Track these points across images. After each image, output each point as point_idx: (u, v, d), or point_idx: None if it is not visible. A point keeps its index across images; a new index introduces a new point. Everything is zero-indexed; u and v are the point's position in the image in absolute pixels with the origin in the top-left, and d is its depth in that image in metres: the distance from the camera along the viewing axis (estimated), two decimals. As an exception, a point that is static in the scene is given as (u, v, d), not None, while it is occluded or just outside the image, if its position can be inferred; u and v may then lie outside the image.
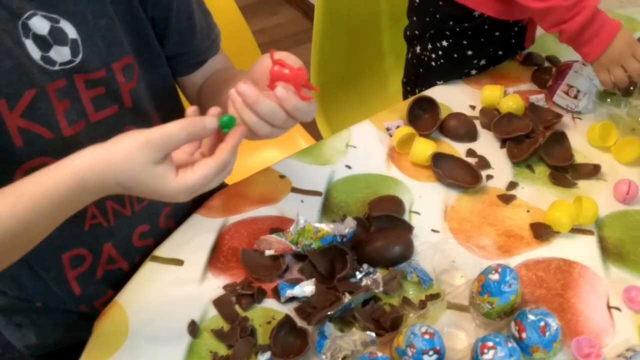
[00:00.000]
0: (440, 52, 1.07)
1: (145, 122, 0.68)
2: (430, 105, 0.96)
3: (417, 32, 1.12)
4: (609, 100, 1.00)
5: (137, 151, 0.50)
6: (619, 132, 0.93)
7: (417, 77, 1.16)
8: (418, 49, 1.13)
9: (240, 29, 1.30)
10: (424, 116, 0.96)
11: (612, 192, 0.86)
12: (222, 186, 0.85)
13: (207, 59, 0.76)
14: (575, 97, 0.96)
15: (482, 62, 1.08)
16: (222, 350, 0.65)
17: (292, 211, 0.81)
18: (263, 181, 0.86)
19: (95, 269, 0.74)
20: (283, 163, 0.89)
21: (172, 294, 0.71)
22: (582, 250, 0.78)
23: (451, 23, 1.04)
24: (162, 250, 0.76)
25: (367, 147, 0.92)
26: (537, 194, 0.85)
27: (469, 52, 1.05)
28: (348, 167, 0.89)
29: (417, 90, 1.14)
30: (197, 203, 0.82)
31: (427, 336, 0.62)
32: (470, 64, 1.07)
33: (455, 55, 1.06)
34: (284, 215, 0.81)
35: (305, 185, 0.85)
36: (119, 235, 0.74)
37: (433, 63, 1.10)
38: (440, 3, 1.03)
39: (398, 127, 0.93)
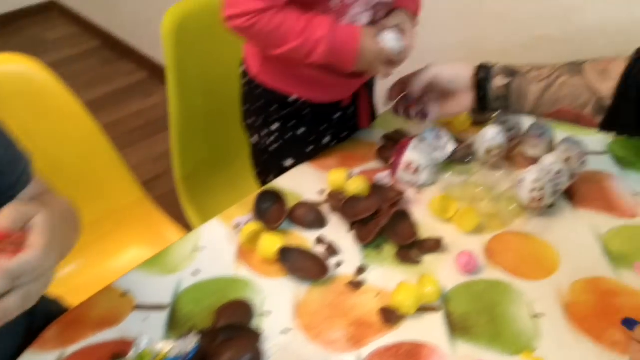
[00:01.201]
0: (273, 137, 1.11)
1: None
2: (277, 196, 0.96)
3: (249, 121, 1.15)
4: (450, 172, 1.04)
5: None
6: (460, 202, 0.97)
7: (264, 165, 1.19)
8: (255, 138, 1.16)
9: (89, 130, 1.27)
10: (271, 208, 0.96)
11: (455, 264, 0.88)
12: (61, 313, 0.80)
13: (15, 194, 0.71)
14: (416, 172, 0.99)
15: (326, 139, 1.11)
16: None
17: (136, 331, 0.77)
18: (103, 302, 0.81)
19: None
20: (126, 278, 0.85)
21: None
22: (430, 330, 0.80)
23: (274, 107, 1.07)
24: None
25: (216, 248, 0.91)
26: (386, 276, 0.87)
27: (300, 132, 1.09)
28: (196, 273, 0.86)
29: (269, 178, 1.15)
30: (31, 338, 0.77)
31: None
32: (306, 143, 1.11)
33: (288, 137, 1.10)
34: (125, 337, 0.77)
35: (150, 299, 0.82)
36: None
37: (271, 148, 1.13)
38: (259, 90, 1.07)
39: (248, 222, 0.93)
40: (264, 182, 1.22)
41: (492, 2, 1.50)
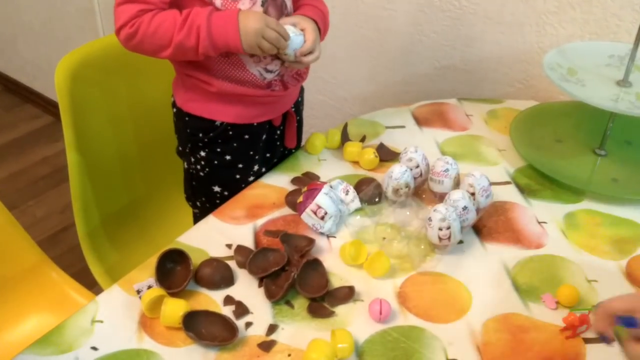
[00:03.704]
0: (202, 163, 1.12)
1: None
2: (181, 256, 0.91)
3: (180, 148, 1.16)
4: (359, 214, 1.03)
5: None
6: (371, 246, 0.95)
7: (193, 191, 1.20)
8: (186, 163, 1.17)
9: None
10: (175, 269, 0.91)
11: (368, 313, 0.86)
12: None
13: None
14: (322, 218, 0.97)
15: (255, 167, 1.13)
16: None
17: None
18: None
19: None
20: (16, 362, 0.78)
21: None
22: (346, 387, 0.77)
23: (200, 135, 1.09)
24: None
25: (116, 319, 0.85)
26: (298, 333, 0.83)
27: (227, 159, 1.10)
28: (94, 348, 0.80)
29: (198, 204, 1.19)
30: None
31: None
32: (235, 170, 1.12)
33: (216, 163, 1.11)
34: None
35: (42, 386, 0.75)
36: None
37: (201, 174, 1.14)
38: (186, 119, 1.09)
39: (149, 287, 0.87)
40: (193, 205, 1.23)
41: (395, 37, 1.53)
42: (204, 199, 1.18)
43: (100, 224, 1.40)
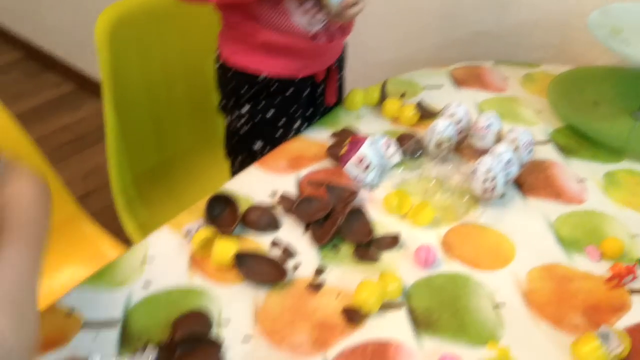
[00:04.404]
0: (245, 118, 1.12)
1: None
2: (228, 200, 0.92)
3: (223, 104, 1.16)
4: (401, 168, 1.03)
5: None
6: (414, 197, 0.96)
7: (232, 148, 1.21)
8: (227, 119, 1.17)
9: (18, 141, 1.19)
10: (223, 213, 0.92)
11: (413, 259, 0.87)
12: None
13: None
14: (366, 169, 0.98)
15: (296, 124, 1.13)
16: None
17: (86, 351, 0.72)
18: (47, 322, 0.75)
19: None
20: (70, 295, 0.79)
21: None
22: (395, 327, 0.78)
23: (244, 89, 1.09)
24: None
25: (167, 258, 0.86)
26: (345, 276, 0.85)
27: (270, 115, 1.11)
28: (147, 285, 0.82)
29: (237, 160, 1.20)
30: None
31: None
32: (276, 126, 1.12)
33: (258, 119, 1.12)
34: (76, 357, 0.71)
35: (99, 316, 0.77)
36: None
37: (241, 130, 1.15)
38: (230, 73, 1.10)
39: (199, 229, 0.89)
40: (232, 163, 1.24)
41: (430, 1, 1.52)
42: (245, 154, 1.18)
43: (132, 181, 1.41)
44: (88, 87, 2.73)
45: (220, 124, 1.29)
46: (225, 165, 1.29)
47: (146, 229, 1.36)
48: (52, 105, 2.73)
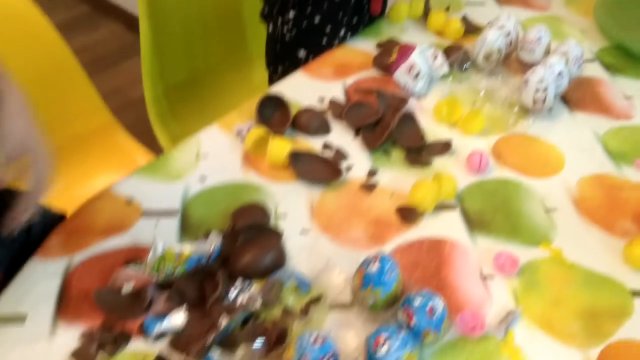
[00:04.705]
0: (289, 25, 1.10)
1: None
2: (279, 102, 0.92)
3: (267, 10, 1.14)
4: (450, 79, 1.02)
5: None
6: (463, 107, 0.95)
7: (275, 56, 1.19)
8: (271, 26, 1.15)
9: (57, 49, 1.17)
10: (274, 114, 0.92)
11: (465, 165, 0.87)
12: (60, 222, 0.75)
13: None
14: (415, 77, 0.97)
15: (341, 32, 1.11)
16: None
17: (147, 237, 0.73)
18: (106, 208, 0.76)
19: None
20: (126, 183, 0.80)
21: (18, 358, 0.60)
22: (449, 226, 0.79)
23: None
24: (-3, 309, 0.64)
25: (220, 155, 0.86)
26: (397, 178, 0.85)
27: (316, 21, 1.09)
28: (203, 179, 0.82)
29: (279, 69, 1.17)
30: (30, 248, 0.71)
31: (318, 343, 0.58)
32: (322, 33, 1.10)
33: (304, 26, 1.09)
34: (138, 243, 0.72)
35: (157, 205, 0.77)
36: None
37: (286, 37, 1.13)
38: None
39: (250, 129, 0.88)
40: (274, 72, 1.22)
41: None
42: (287, 63, 1.17)
43: (164, 94, 1.40)
44: (102, 9, 2.68)
45: (251, 37, 1.28)
46: (255, 81, 1.28)
47: (177, 143, 1.36)
48: (68, 26, 2.68)
